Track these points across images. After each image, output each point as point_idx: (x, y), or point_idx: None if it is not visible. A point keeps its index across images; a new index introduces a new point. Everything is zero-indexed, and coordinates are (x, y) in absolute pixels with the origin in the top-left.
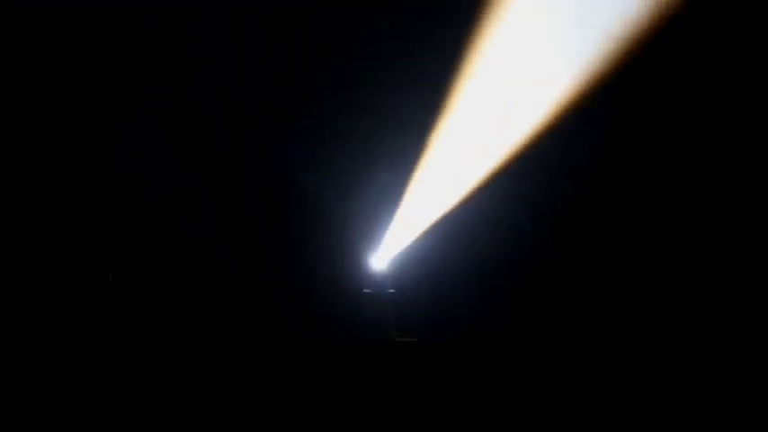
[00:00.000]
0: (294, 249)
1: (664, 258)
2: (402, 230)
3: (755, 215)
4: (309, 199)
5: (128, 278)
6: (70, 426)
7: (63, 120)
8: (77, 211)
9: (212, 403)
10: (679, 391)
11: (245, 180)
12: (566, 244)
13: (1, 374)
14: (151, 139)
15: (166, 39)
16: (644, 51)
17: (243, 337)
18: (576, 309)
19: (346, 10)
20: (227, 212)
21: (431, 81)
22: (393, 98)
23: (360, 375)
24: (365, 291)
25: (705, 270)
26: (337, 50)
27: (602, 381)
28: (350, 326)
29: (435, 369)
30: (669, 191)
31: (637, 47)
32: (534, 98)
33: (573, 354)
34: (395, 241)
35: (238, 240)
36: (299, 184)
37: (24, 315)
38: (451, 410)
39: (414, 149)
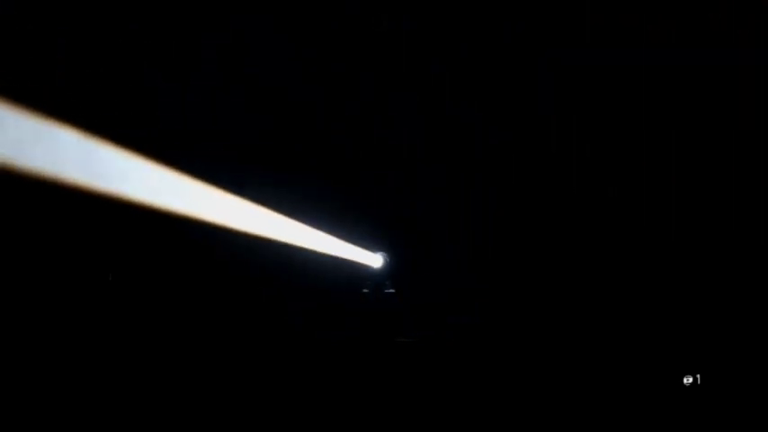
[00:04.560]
0: (294, 249)
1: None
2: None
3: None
4: (312, 197)
5: (128, 278)
6: (70, 426)
7: (62, 119)
8: (77, 210)
9: (213, 403)
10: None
11: (246, 178)
12: (564, 241)
13: (1, 374)
14: (150, 138)
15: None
16: None
17: (243, 337)
18: (575, 306)
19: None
20: (226, 211)
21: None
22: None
23: (360, 375)
24: (365, 291)
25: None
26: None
27: (601, 379)
28: (350, 326)
29: (435, 369)
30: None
31: None
32: None
33: (573, 352)
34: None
35: (238, 240)
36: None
37: (24, 315)
38: (451, 410)
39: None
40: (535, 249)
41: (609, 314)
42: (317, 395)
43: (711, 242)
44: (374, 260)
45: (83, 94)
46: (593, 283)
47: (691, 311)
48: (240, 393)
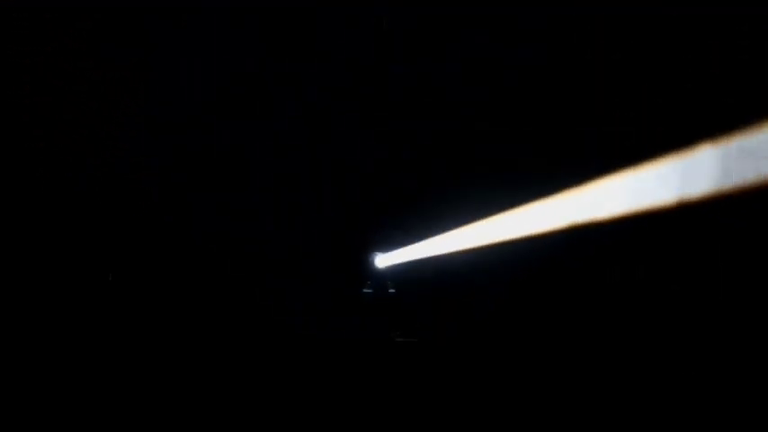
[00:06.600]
0: (295, 249)
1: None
2: (408, 235)
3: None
4: (311, 198)
5: (128, 278)
6: (70, 426)
7: (62, 119)
8: (77, 211)
9: (212, 403)
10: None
11: (246, 179)
12: (566, 245)
13: (1, 374)
14: (152, 138)
15: (165, 39)
16: None
17: (243, 336)
18: (577, 309)
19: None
20: (227, 212)
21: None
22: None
23: (360, 375)
24: (365, 291)
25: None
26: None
27: (601, 380)
28: (350, 326)
29: (435, 369)
30: None
31: None
32: None
33: (573, 353)
34: (398, 242)
35: (238, 239)
36: (301, 183)
37: (25, 315)
38: (451, 410)
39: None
40: (535, 248)
41: (609, 314)
42: (317, 394)
43: (711, 240)
44: (377, 261)
45: None
46: (592, 282)
47: (690, 312)
48: (240, 392)
